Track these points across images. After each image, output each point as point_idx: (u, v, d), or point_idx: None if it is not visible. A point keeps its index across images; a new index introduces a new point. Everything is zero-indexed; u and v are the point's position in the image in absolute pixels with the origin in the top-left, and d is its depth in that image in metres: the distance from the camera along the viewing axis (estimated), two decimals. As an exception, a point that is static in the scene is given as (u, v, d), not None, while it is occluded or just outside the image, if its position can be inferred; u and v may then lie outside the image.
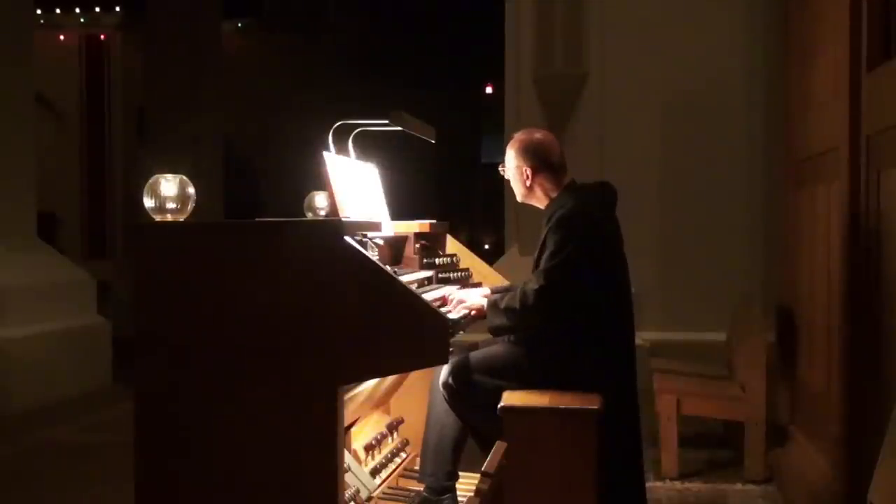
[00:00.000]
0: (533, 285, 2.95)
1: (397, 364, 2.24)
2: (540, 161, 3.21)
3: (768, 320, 4.88)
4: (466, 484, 3.21)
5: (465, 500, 2.98)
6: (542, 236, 3.09)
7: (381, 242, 2.81)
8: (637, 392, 3.19)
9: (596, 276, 3.03)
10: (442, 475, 3.09)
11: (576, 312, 3.01)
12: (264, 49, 14.33)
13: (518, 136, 3.29)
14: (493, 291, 3.16)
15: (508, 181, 3.33)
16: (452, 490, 3.11)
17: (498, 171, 3.38)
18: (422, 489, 3.12)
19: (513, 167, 3.25)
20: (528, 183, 3.22)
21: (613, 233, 3.18)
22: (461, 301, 2.99)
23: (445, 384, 3.09)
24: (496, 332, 3.06)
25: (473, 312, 2.97)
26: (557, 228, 3.03)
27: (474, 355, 3.13)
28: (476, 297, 3.04)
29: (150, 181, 2.33)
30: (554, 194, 3.20)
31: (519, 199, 3.32)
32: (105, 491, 4.26)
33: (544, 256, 3.03)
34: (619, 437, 3.05)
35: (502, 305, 2.99)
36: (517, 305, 2.95)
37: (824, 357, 3.88)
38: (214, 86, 11.03)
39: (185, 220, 2.33)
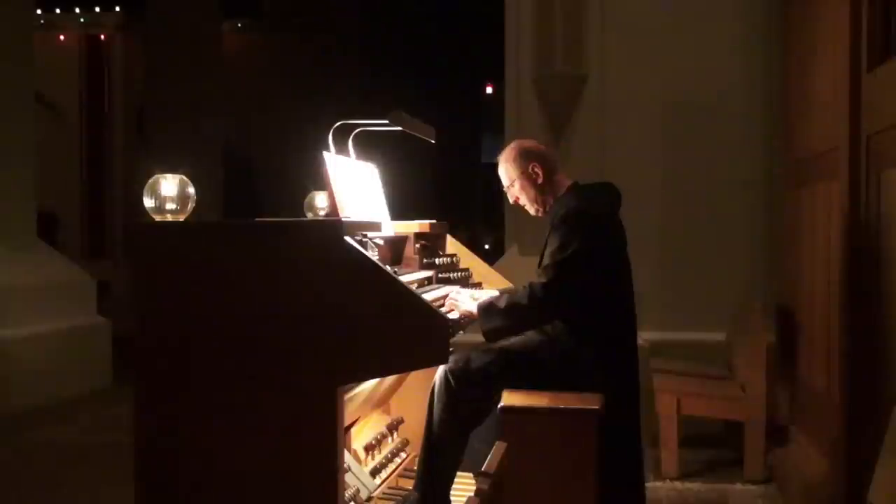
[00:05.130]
0: (541, 279, 2.94)
1: (397, 364, 2.23)
2: (544, 158, 3.22)
3: (768, 320, 4.88)
4: (465, 484, 3.21)
5: (464, 500, 2.98)
6: (546, 235, 3.09)
7: (381, 242, 2.81)
8: (639, 393, 3.19)
9: (598, 275, 3.02)
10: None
11: (580, 309, 2.99)
12: (264, 49, 14.33)
13: (511, 147, 3.27)
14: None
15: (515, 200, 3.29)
16: None
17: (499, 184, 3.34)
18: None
19: (518, 174, 3.20)
20: (539, 181, 3.18)
21: (617, 234, 3.17)
22: (452, 306, 2.94)
23: (443, 383, 3.07)
24: (493, 335, 2.99)
25: (463, 319, 2.92)
26: (561, 225, 3.02)
27: (474, 355, 3.11)
28: (467, 303, 2.99)
29: (150, 181, 2.33)
30: (558, 193, 3.20)
31: (534, 210, 3.25)
32: (105, 491, 4.26)
33: (547, 252, 3.02)
34: (619, 438, 3.04)
35: (502, 304, 2.95)
36: (525, 301, 2.92)
37: (824, 357, 3.88)
38: (214, 86, 11.04)
39: (185, 220, 2.33)
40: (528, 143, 3.32)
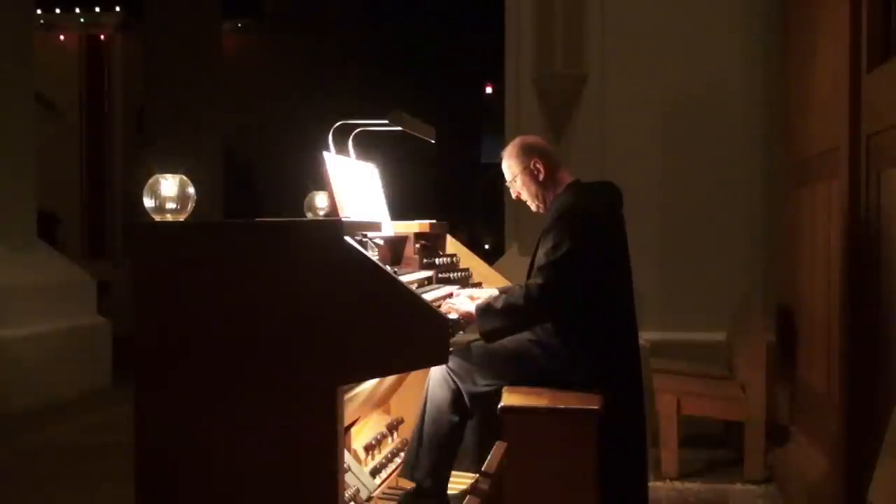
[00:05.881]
0: (537, 280, 2.94)
1: (397, 364, 2.23)
2: (547, 155, 3.23)
3: (768, 320, 4.88)
4: (464, 484, 3.21)
5: (457, 493, 2.97)
6: (541, 233, 3.09)
7: (381, 242, 2.81)
8: (642, 391, 3.18)
9: (595, 274, 3.02)
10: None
11: (577, 309, 2.99)
12: (264, 49, 14.33)
13: (514, 143, 3.29)
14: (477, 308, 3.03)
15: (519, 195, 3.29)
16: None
17: (502, 179, 3.35)
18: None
19: (520, 170, 3.22)
20: (541, 177, 3.19)
21: (617, 231, 3.17)
22: (450, 310, 2.94)
23: (439, 375, 3.07)
24: (491, 336, 2.99)
25: (461, 320, 2.92)
26: (556, 224, 3.03)
27: (473, 348, 3.10)
28: (465, 304, 2.99)
29: (150, 181, 2.33)
30: (559, 190, 3.20)
31: (535, 207, 3.26)
32: (105, 491, 4.26)
33: (544, 251, 3.02)
34: (622, 438, 3.04)
35: (499, 305, 2.95)
36: (521, 302, 2.93)
37: (824, 357, 3.88)
38: (214, 86, 11.03)
39: (185, 220, 2.33)
40: (532, 139, 3.33)
